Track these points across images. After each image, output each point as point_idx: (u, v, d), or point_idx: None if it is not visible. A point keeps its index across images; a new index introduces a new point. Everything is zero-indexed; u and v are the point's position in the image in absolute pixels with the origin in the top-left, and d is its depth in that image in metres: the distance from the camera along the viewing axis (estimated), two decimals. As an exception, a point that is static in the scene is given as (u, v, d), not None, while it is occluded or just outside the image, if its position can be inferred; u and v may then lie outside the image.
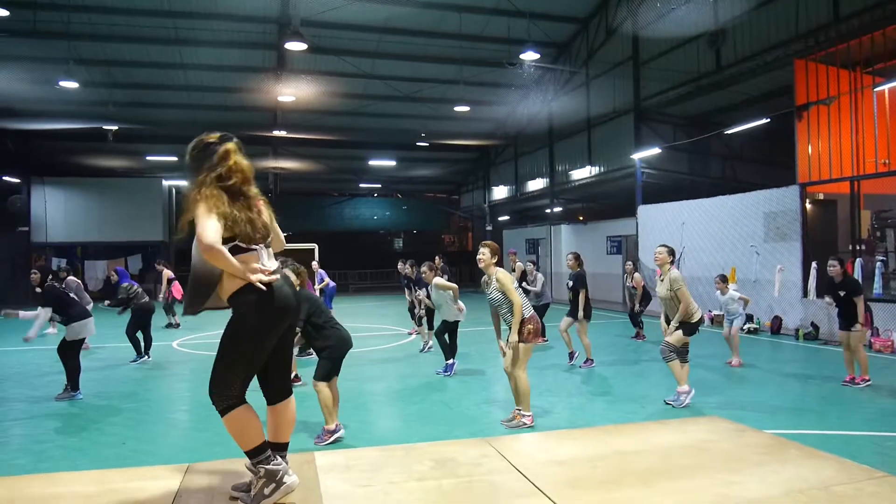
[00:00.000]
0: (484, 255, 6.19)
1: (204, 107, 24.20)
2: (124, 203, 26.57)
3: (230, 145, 3.18)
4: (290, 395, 3.29)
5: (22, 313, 8.06)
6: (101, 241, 26.72)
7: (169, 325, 15.29)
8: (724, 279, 10.03)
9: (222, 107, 24.40)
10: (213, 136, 3.22)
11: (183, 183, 29.39)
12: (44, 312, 7.60)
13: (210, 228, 2.83)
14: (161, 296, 15.16)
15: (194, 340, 13.31)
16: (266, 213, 3.21)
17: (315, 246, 25.12)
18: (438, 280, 9.26)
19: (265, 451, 3.06)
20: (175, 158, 26.45)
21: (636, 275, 12.60)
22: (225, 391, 2.98)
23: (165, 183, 28.39)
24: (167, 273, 15.39)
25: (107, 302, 10.82)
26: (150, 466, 4.47)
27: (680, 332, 6.97)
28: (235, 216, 2.97)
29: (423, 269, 9.65)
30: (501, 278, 6.07)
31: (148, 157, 26.69)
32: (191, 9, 18.42)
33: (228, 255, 2.87)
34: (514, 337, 6.00)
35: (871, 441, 5.77)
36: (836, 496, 3.04)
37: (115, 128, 22.56)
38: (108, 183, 27.08)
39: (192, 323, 16.13)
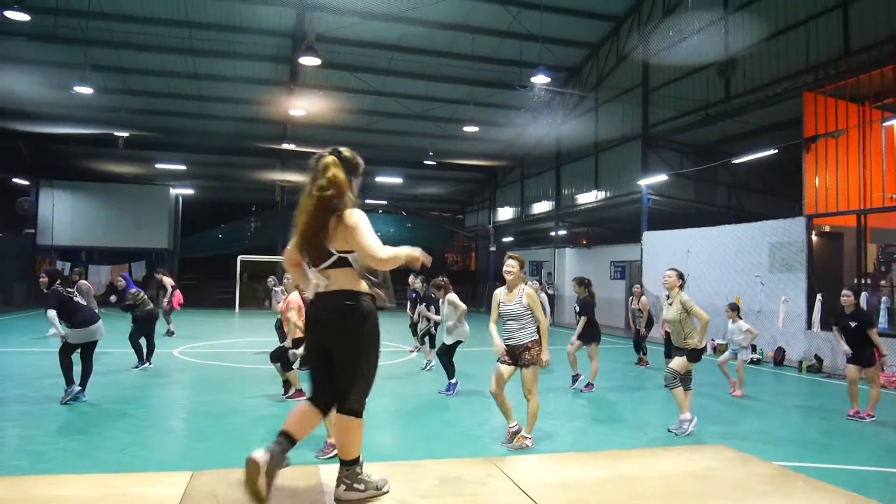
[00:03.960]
0: (514, 267, 6.16)
1: (215, 117, 24.40)
2: (131, 209, 26.75)
3: None
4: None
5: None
6: (106, 246, 26.85)
7: (167, 333, 15.27)
8: (734, 308, 9.99)
9: (233, 118, 24.59)
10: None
11: (192, 191, 29.64)
12: (50, 314, 7.55)
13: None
14: (165, 301, 15.11)
15: (195, 349, 13.30)
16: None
17: (319, 259, 25.19)
18: (453, 296, 9.20)
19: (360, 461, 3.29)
20: (184, 167, 26.65)
21: (643, 298, 12.58)
22: (365, 398, 3.26)
23: (173, 191, 28.57)
24: (168, 280, 15.37)
25: (113, 298, 10.86)
26: (153, 473, 4.46)
27: (685, 358, 6.95)
28: None
29: (439, 282, 9.55)
30: (531, 294, 6.14)
31: (157, 165, 26.91)
32: (207, 20, 18.65)
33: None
34: (546, 356, 6.04)
35: (877, 476, 5.73)
36: (843, 529, 3.02)
37: (126, 134, 22.79)
38: (115, 188, 27.29)
39: (191, 331, 16.14)
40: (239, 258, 27.71)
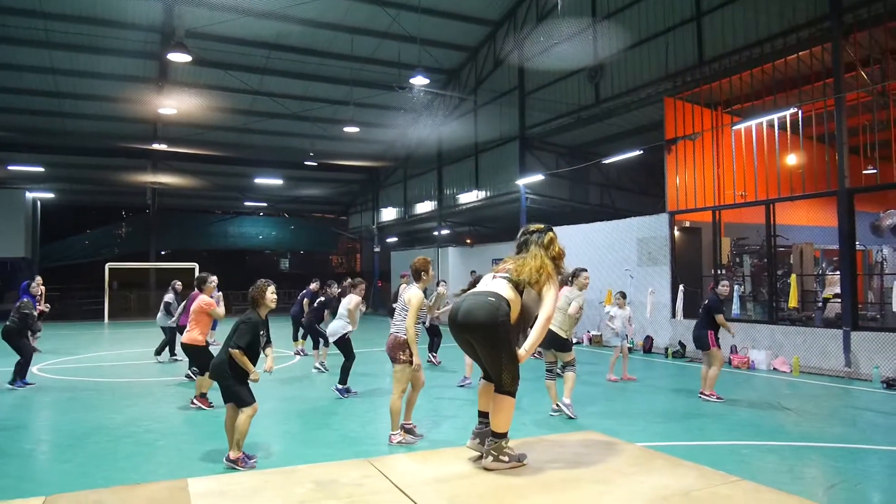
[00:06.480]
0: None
1: (76, 115, 22.82)
2: (-21, 216, 24.38)
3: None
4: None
5: None
6: (-50, 257, 24.36)
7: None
8: (624, 296, 10.69)
9: (97, 116, 23.09)
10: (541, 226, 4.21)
11: (52, 195, 27.53)
12: None
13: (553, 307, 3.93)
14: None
15: (57, 365, 12.38)
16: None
17: (196, 265, 24.14)
18: (356, 299, 9.20)
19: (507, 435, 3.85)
20: (42, 169, 24.70)
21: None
22: (516, 381, 3.81)
23: (30, 195, 26.35)
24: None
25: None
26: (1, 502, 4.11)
27: None
28: None
29: (346, 284, 9.67)
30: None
31: (10, 167, 24.67)
32: (64, 11, 17.37)
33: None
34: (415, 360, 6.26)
35: (730, 449, 6.23)
36: (694, 500, 3.25)
37: (-28, 133, 20.81)
38: (-40, 193, 24.79)
39: (52, 345, 15.05)
40: (108, 265, 26.06)
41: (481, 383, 4.08)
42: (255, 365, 5.62)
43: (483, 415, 4.02)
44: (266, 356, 5.81)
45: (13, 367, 9.77)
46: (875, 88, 11.64)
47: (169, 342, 12.46)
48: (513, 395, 3.82)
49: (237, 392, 5.51)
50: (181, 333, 9.00)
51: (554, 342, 7.59)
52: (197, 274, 12.07)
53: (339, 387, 8.98)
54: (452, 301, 12.30)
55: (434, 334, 12.17)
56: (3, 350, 10.49)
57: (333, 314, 10.28)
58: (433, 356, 12.22)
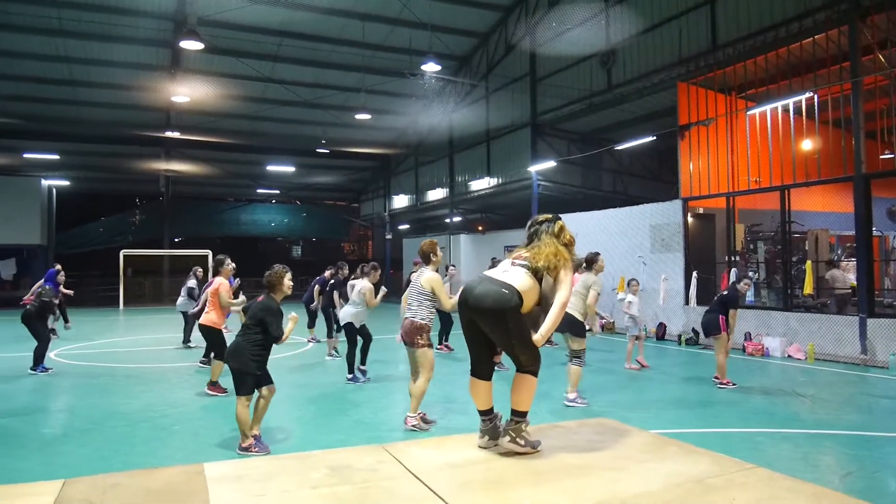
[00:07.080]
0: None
1: (90, 103, 22.93)
2: (-4, 203, 24.61)
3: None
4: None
5: None
6: (-32, 243, 24.60)
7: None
8: (637, 282, 10.68)
9: (110, 104, 23.20)
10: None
11: (67, 182, 27.75)
12: None
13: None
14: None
15: (75, 350, 12.52)
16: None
17: (209, 252, 24.26)
18: (368, 285, 9.21)
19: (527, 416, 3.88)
20: (57, 157, 24.87)
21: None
22: (537, 361, 3.85)
23: (45, 182, 26.56)
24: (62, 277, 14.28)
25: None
26: (20, 484, 4.17)
27: None
28: None
29: (367, 269, 9.63)
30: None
31: (26, 155, 24.89)
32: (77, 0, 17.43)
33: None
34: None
35: (744, 437, 6.22)
36: (709, 487, 3.25)
37: (-12, 122, 20.98)
38: (-23, 181, 25.01)
39: (70, 332, 15.20)
40: (122, 252, 26.27)
41: (471, 381, 4.05)
42: (268, 352, 5.74)
43: (483, 413, 3.99)
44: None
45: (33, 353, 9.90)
46: (893, 72, 11.44)
47: (192, 328, 12.49)
48: (534, 374, 3.85)
49: (243, 379, 5.55)
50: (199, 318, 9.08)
51: (569, 325, 7.52)
52: (211, 259, 12.11)
53: (361, 367, 9.16)
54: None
55: (446, 321, 12.18)
56: (21, 336, 10.65)
57: (344, 297, 10.31)
58: (446, 345, 12.28)
